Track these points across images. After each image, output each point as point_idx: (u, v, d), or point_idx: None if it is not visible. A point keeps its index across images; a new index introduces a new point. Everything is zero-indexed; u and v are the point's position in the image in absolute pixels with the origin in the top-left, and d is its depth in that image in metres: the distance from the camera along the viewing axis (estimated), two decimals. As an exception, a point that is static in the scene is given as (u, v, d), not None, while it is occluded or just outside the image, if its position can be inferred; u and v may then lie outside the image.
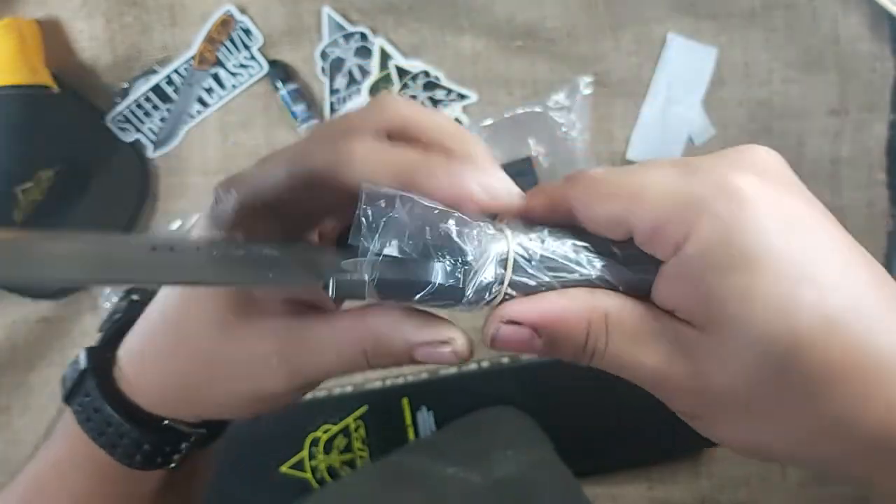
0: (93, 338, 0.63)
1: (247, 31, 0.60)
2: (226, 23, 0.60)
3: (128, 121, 0.61)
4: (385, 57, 0.61)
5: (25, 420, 0.62)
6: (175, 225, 0.61)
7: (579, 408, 0.59)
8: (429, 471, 0.49)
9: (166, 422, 0.29)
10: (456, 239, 0.22)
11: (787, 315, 0.20)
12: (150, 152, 0.61)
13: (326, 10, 0.60)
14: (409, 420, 0.57)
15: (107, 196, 0.60)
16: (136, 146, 0.61)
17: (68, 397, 0.29)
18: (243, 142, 0.62)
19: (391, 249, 0.21)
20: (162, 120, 0.61)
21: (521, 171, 0.60)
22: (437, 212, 0.22)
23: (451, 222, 0.22)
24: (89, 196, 0.59)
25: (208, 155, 0.62)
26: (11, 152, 0.54)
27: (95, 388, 0.28)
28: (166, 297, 0.28)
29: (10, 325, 0.61)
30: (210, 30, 0.60)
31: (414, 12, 0.60)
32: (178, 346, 0.27)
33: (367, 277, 0.21)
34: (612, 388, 0.59)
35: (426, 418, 0.57)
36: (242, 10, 0.60)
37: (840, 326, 0.20)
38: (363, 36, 0.60)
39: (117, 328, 0.31)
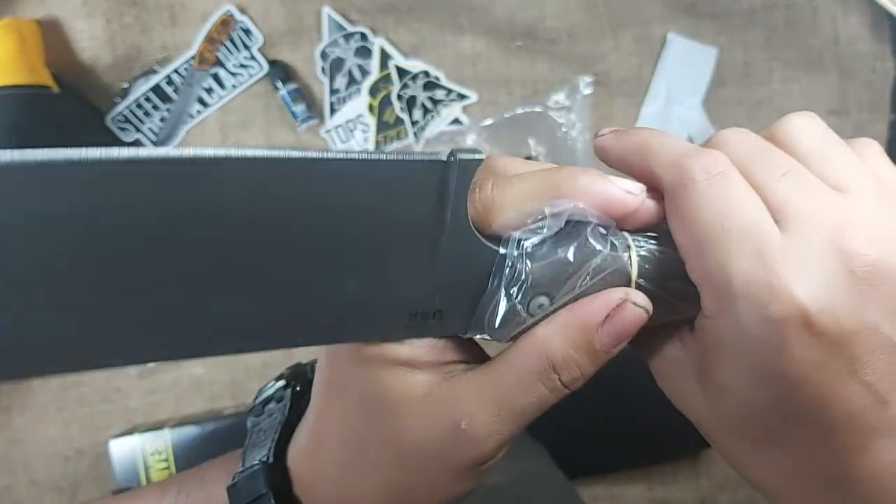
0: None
1: (247, 31, 0.60)
2: (226, 23, 0.59)
3: (128, 121, 0.61)
4: (385, 57, 0.60)
5: (25, 420, 0.62)
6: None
7: (579, 408, 0.59)
8: None
9: None
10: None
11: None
12: (150, 152, 0.61)
13: (326, 10, 0.60)
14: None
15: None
16: (137, 146, 0.61)
17: None
18: (243, 142, 0.62)
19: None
20: (162, 120, 0.61)
21: (521, 171, 0.60)
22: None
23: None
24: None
25: (208, 155, 0.62)
26: (11, 152, 0.54)
27: None
28: (328, 389, 0.26)
29: (10, 326, 0.61)
30: (210, 30, 0.60)
31: (414, 12, 0.60)
32: (369, 440, 0.25)
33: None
34: (612, 388, 0.59)
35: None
36: (242, 10, 0.60)
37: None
38: (363, 36, 0.60)
39: (286, 429, 0.28)
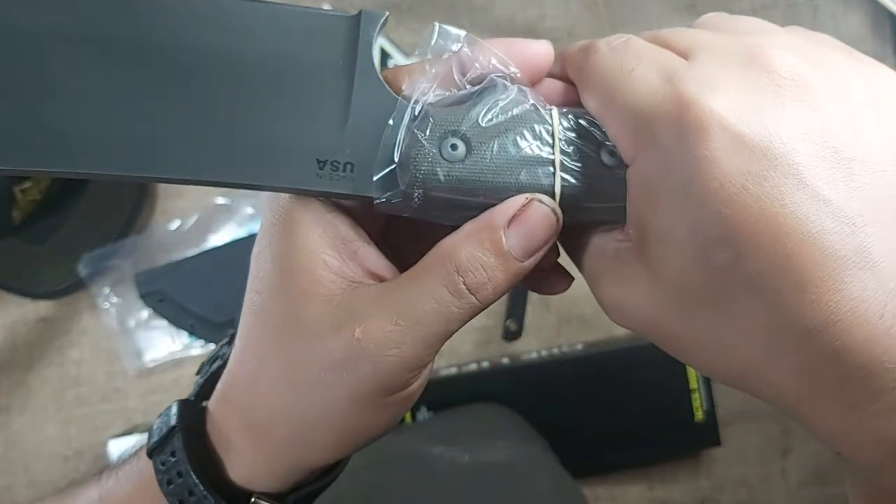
0: (92, 336, 0.63)
1: (246, 31, 0.60)
2: (225, 22, 0.59)
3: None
4: (385, 56, 0.60)
5: (24, 420, 0.62)
6: (174, 225, 0.61)
7: (579, 408, 0.59)
8: (415, 452, 0.48)
9: (253, 499, 0.25)
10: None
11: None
12: (150, 152, 0.61)
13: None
14: (408, 419, 0.57)
15: (105, 195, 0.60)
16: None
17: (152, 451, 0.26)
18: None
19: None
20: (161, 119, 0.61)
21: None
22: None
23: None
24: (88, 195, 0.59)
25: (208, 154, 0.62)
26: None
27: (182, 449, 0.25)
28: (247, 318, 0.25)
29: (10, 325, 0.61)
30: (209, 29, 0.59)
31: (414, 12, 0.60)
32: (271, 360, 0.24)
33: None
34: (612, 388, 0.59)
35: (426, 418, 0.57)
36: (242, 10, 0.60)
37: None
38: (363, 35, 0.60)
39: (216, 376, 0.27)
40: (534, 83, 0.23)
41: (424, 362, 0.23)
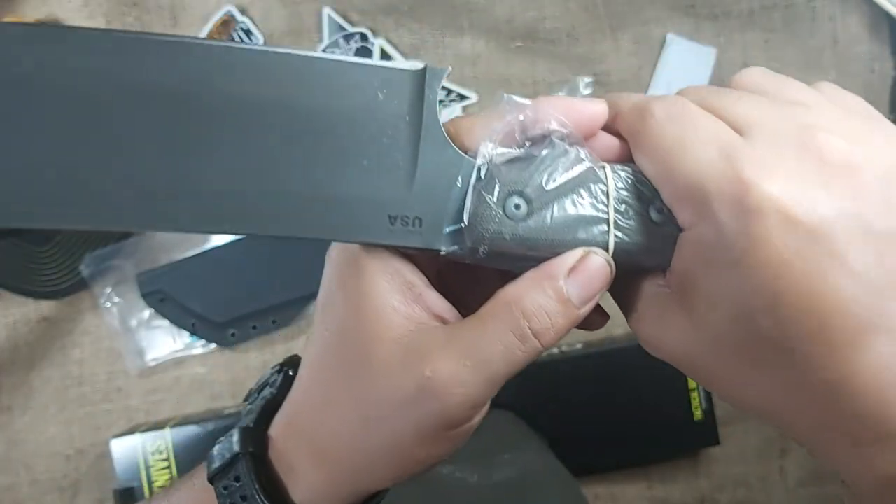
0: (93, 336, 0.63)
1: (247, 32, 0.60)
2: (226, 23, 0.60)
3: (129, 121, 0.61)
4: (385, 57, 0.61)
5: (26, 420, 0.62)
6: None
7: (579, 408, 0.59)
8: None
9: None
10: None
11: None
12: (151, 152, 0.62)
13: (327, 11, 0.60)
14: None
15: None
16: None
17: (214, 477, 0.27)
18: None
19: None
20: (163, 120, 0.61)
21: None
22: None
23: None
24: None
25: (209, 155, 0.62)
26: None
27: (248, 474, 0.26)
28: (316, 353, 0.27)
29: (12, 325, 0.61)
30: (211, 30, 0.60)
31: (414, 13, 0.60)
32: (341, 394, 0.25)
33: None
34: (612, 388, 0.59)
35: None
36: (243, 11, 0.60)
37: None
38: (363, 37, 0.60)
39: (272, 404, 0.29)
40: (588, 139, 0.25)
41: (487, 400, 0.24)
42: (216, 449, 0.27)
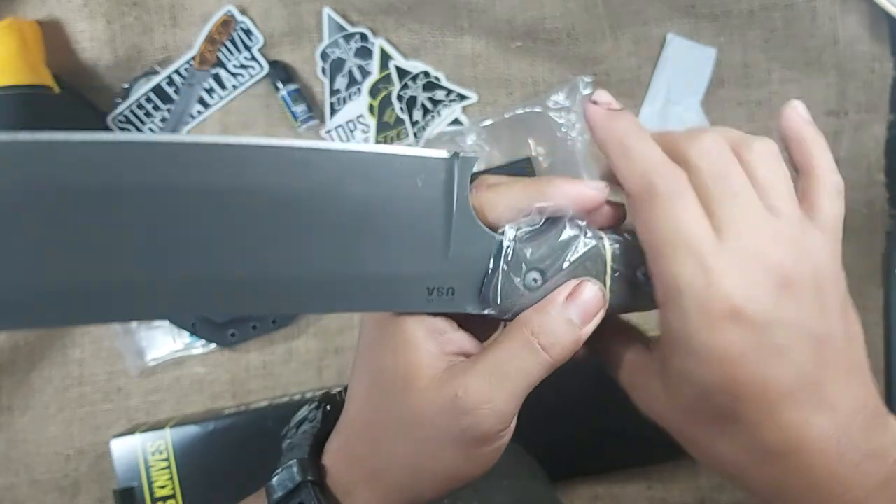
0: (93, 336, 0.63)
1: (247, 32, 0.60)
2: (226, 23, 0.60)
3: (129, 121, 0.61)
4: (385, 57, 0.61)
5: (26, 420, 0.62)
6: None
7: (579, 408, 0.59)
8: None
9: None
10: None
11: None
12: (151, 152, 0.62)
13: (327, 11, 0.60)
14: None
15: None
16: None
17: None
18: (244, 142, 0.62)
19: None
20: (163, 120, 0.61)
21: (520, 170, 0.60)
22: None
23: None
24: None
25: (209, 155, 0.62)
26: (12, 152, 0.55)
27: (312, 500, 0.29)
28: (363, 391, 0.31)
29: (12, 325, 0.61)
30: (211, 30, 0.60)
31: (414, 13, 0.60)
32: (389, 423, 0.30)
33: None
34: (612, 388, 0.59)
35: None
36: (243, 11, 0.60)
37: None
38: (363, 37, 0.60)
39: (319, 437, 0.33)
40: (591, 212, 0.30)
41: (512, 412, 0.29)
42: (276, 480, 0.31)
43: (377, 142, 0.61)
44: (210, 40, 0.60)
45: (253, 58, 0.60)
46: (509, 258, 0.28)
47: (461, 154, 0.27)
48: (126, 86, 0.60)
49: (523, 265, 0.28)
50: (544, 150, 0.62)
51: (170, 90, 0.61)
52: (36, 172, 0.22)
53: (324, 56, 0.61)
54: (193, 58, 0.60)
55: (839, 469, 0.27)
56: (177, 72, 0.60)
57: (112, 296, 0.23)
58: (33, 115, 0.54)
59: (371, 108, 0.61)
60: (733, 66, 0.60)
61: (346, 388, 0.38)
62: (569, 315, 0.28)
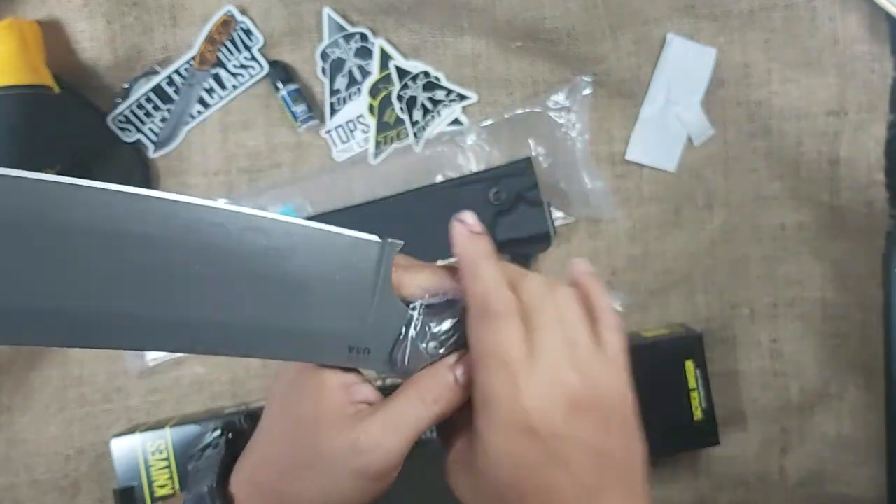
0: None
1: (247, 32, 0.60)
2: (226, 23, 0.60)
3: (129, 121, 0.61)
4: (385, 57, 0.61)
5: (26, 420, 0.62)
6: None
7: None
8: None
9: None
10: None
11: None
12: (151, 153, 0.62)
13: (327, 11, 0.60)
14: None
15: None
16: (137, 146, 0.61)
17: None
18: (244, 142, 0.62)
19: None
20: (163, 120, 0.61)
21: (520, 171, 0.60)
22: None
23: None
24: (90, 196, 0.60)
25: (209, 155, 0.62)
26: (12, 153, 0.54)
27: None
28: (277, 414, 0.36)
29: (11, 325, 0.61)
30: (211, 30, 0.60)
31: (414, 13, 0.60)
32: (300, 458, 0.34)
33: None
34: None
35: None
36: (243, 11, 0.60)
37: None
38: (363, 37, 0.60)
39: (224, 463, 0.38)
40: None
41: (402, 455, 0.33)
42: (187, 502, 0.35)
43: (377, 142, 0.61)
44: (210, 40, 0.60)
45: (253, 58, 0.60)
46: (416, 329, 0.33)
47: (389, 240, 0.33)
48: (126, 86, 0.60)
49: (427, 335, 0.33)
50: (544, 150, 0.62)
51: (170, 90, 0.61)
52: None
53: (324, 56, 0.61)
54: (193, 58, 0.60)
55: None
56: (177, 72, 0.60)
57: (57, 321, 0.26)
58: (33, 115, 0.54)
59: (371, 108, 0.61)
60: (733, 66, 0.61)
61: (246, 415, 0.48)
62: (453, 378, 0.33)
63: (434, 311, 0.34)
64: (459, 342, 0.34)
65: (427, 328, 0.34)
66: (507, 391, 0.31)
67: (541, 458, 0.30)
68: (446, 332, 0.34)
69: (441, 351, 0.34)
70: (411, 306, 0.34)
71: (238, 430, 0.42)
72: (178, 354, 0.62)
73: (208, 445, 0.40)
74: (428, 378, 0.33)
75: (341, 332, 0.32)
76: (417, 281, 0.34)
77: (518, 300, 0.33)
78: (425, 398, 0.33)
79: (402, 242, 0.33)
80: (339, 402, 0.33)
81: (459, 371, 0.33)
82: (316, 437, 0.33)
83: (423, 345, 0.34)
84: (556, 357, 0.31)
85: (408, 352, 0.34)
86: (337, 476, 0.33)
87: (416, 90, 0.61)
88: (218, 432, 0.41)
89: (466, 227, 0.35)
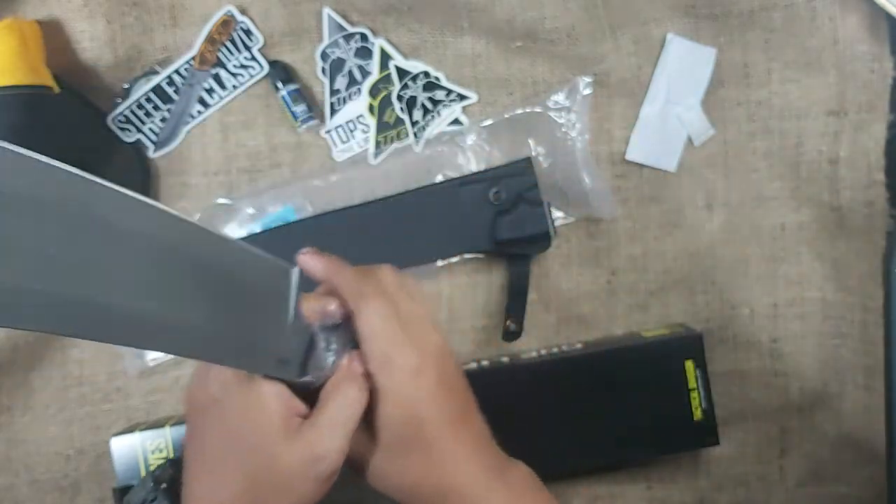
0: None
1: (247, 32, 0.60)
2: (226, 23, 0.60)
3: (129, 121, 0.61)
4: (385, 57, 0.61)
5: (26, 420, 0.62)
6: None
7: (578, 407, 0.59)
8: None
9: None
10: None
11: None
12: (151, 153, 0.62)
13: (327, 11, 0.60)
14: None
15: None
16: (137, 146, 0.61)
17: None
18: (244, 142, 0.62)
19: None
20: (163, 120, 0.61)
21: (520, 171, 0.60)
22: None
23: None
24: (90, 196, 0.60)
25: (209, 155, 0.62)
26: (12, 152, 0.54)
27: None
28: (211, 450, 0.38)
29: (12, 325, 0.61)
30: (211, 30, 0.60)
31: (414, 13, 0.60)
32: (258, 476, 0.37)
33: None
34: (611, 387, 0.59)
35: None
36: (243, 11, 0.60)
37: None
38: (363, 37, 0.60)
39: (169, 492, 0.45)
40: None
41: (344, 448, 0.37)
42: None
43: (377, 142, 0.61)
44: (210, 40, 0.60)
45: (253, 58, 0.60)
46: (321, 345, 0.39)
47: (297, 268, 0.39)
48: (126, 86, 0.60)
49: (329, 350, 0.39)
50: (544, 150, 0.62)
51: (170, 90, 0.61)
52: None
53: (324, 56, 0.61)
54: (193, 58, 0.60)
55: (479, 477, 0.39)
56: (177, 72, 0.60)
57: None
58: (33, 115, 0.54)
59: (371, 108, 0.61)
60: (733, 66, 0.61)
61: (171, 462, 0.51)
62: (361, 370, 0.39)
63: (332, 328, 0.40)
64: (352, 346, 0.40)
65: (328, 342, 0.40)
66: (396, 351, 0.38)
67: (427, 394, 0.38)
68: (343, 342, 0.40)
69: (340, 360, 0.40)
70: (317, 325, 0.40)
71: (168, 476, 0.45)
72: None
73: (145, 500, 0.43)
74: (343, 380, 0.38)
75: (269, 343, 0.36)
76: (317, 307, 0.40)
77: (378, 284, 0.40)
78: (349, 396, 0.38)
79: (299, 271, 0.39)
80: (283, 416, 0.37)
81: (356, 363, 0.39)
82: (271, 456, 0.36)
83: (328, 355, 0.39)
84: (418, 316, 0.40)
85: (314, 362, 0.39)
86: (300, 487, 0.37)
87: (416, 90, 0.61)
88: (151, 484, 0.44)
89: (310, 257, 0.41)
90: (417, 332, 0.39)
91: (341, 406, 0.38)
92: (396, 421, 0.38)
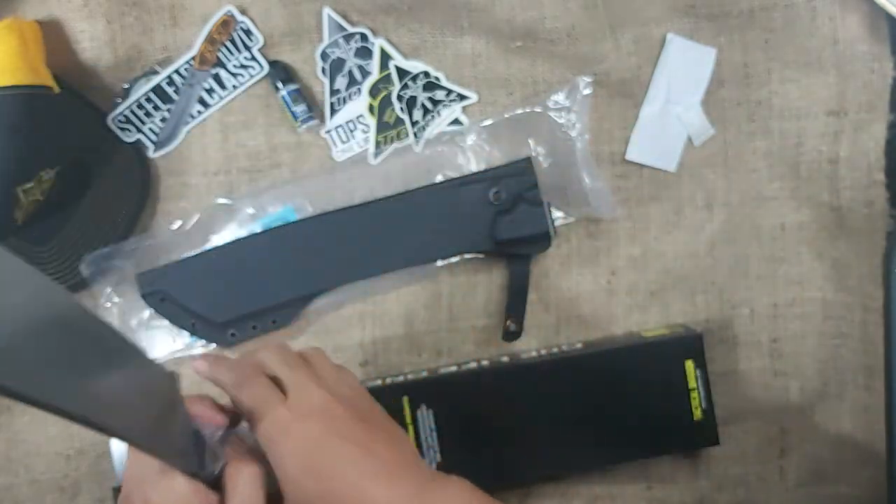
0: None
1: (247, 32, 0.60)
2: (226, 23, 0.60)
3: (129, 121, 0.61)
4: (385, 57, 0.61)
5: (26, 420, 0.62)
6: (176, 225, 0.61)
7: (578, 407, 0.59)
8: None
9: None
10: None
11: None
12: (151, 153, 0.62)
13: (327, 11, 0.60)
14: (409, 419, 0.57)
15: (107, 196, 0.60)
16: (137, 146, 0.61)
17: None
18: (244, 142, 0.62)
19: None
20: (163, 120, 0.61)
21: (520, 171, 0.60)
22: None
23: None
24: (90, 196, 0.60)
25: (209, 155, 0.62)
26: (12, 152, 0.55)
27: None
28: None
29: (11, 325, 0.61)
30: (211, 30, 0.60)
31: (414, 13, 0.60)
32: None
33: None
34: (611, 387, 0.59)
35: (426, 417, 0.57)
36: (243, 11, 0.60)
37: None
38: (363, 37, 0.60)
39: None
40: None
41: None
42: None
43: (377, 142, 0.61)
44: (210, 40, 0.60)
45: (253, 58, 0.60)
46: (215, 434, 0.41)
47: (175, 372, 0.39)
48: (126, 86, 0.60)
49: (217, 443, 0.41)
50: (544, 150, 0.62)
51: (170, 90, 0.61)
52: None
53: (324, 56, 0.61)
54: (193, 58, 0.60)
55: None
56: (177, 72, 0.60)
57: None
58: (33, 115, 0.54)
59: (371, 108, 0.61)
60: (733, 66, 0.61)
61: None
62: (246, 451, 0.42)
63: (218, 432, 0.42)
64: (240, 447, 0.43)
65: (214, 437, 0.42)
66: (279, 425, 0.41)
67: (316, 443, 0.41)
68: (228, 434, 0.43)
69: (227, 455, 0.42)
70: (206, 433, 0.42)
71: None
72: (178, 354, 0.62)
73: None
74: (235, 461, 0.40)
75: (172, 439, 0.38)
76: (200, 412, 0.42)
77: (258, 366, 0.44)
78: (245, 474, 0.40)
79: (179, 375, 0.40)
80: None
81: (238, 442, 0.43)
82: None
83: (223, 446, 0.42)
84: (295, 383, 0.43)
85: (208, 457, 0.41)
86: None
87: (416, 90, 0.61)
88: None
89: (202, 363, 0.45)
90: (295, 396, 0.42)
91: (245, 484, 0.40)
92: (294, 478, 0.40)
